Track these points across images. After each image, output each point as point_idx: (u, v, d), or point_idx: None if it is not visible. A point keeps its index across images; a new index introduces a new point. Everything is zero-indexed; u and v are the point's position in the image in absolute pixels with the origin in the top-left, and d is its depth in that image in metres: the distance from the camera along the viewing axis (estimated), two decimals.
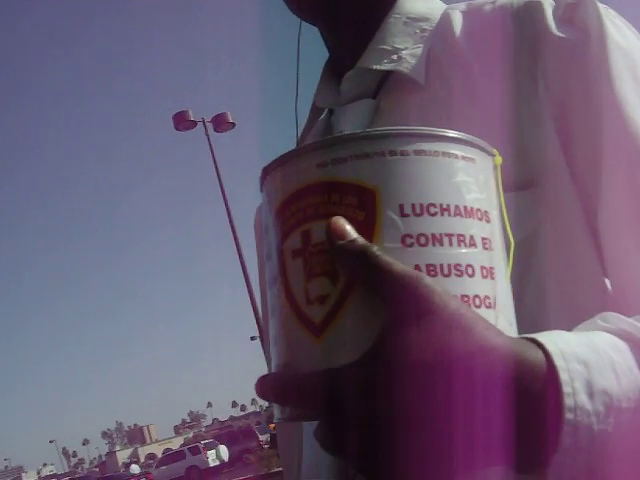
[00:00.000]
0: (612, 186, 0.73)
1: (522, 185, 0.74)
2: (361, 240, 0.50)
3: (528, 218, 0.74)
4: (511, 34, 0.80)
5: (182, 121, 15.49)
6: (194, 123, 15.61)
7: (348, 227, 0.50)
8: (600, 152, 0.74)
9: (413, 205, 0.51)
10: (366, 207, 0.51)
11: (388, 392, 0.47)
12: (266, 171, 0.58)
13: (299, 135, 1.02)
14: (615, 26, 0.77)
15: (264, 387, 0.54)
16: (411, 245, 0.51)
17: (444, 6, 0.92)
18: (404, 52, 0.86)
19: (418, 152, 0.53)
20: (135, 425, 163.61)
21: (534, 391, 0.48)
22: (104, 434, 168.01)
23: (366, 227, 0.51)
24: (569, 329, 0.61)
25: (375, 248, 0.50)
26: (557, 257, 0.75)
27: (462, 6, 0.90)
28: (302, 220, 0.53)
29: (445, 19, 0.88)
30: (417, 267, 0.50)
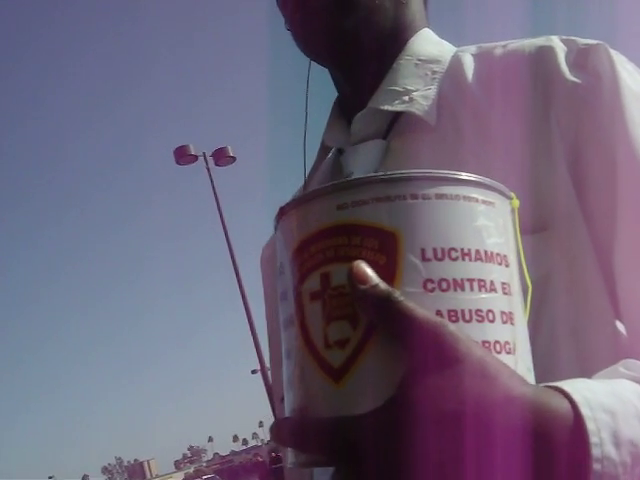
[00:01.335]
0: (627, 230, 0.73)
1: (535, 228, 0.74)
2: (383, 285, 0.49)
3: (540, 261, 0.73)
4: (524, 78, 0.80)
5: (183, 155, 15.54)
6: (195, 157, 15.66)
7: (370, 272, 0.50)
8: (615, 196, 0.74)
9: (435, 249, 0.51)
10: (387, 251, 0.51)
11: (411, 442, 0.46)
12: (283, 210, 0.57)
13: (307, 173, 1.02)
14: (627, 71, 0.78)
15: (281, 432, 0.53)
16: (433, 290, 0.50)
17: (454, 49, 0.93)
18: (415, 93, 0.87)
19: (440, 196, 0.52)
20: (135, 460, 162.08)
21: (561, 441, 0.48)
22: (104, 469, 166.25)
23: (387, 271, 0.50)
24: (581, 373, 0.61)
25: (398, 294, 0.49)
26: (569, 300, 0.75)
27: (472, 49, 0.90)
28: (321, 262, 0.52)
29: (456, 62, 0.89)
30: (439, 312, 0.50)
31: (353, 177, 0.83)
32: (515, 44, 0.85)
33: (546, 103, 0.78)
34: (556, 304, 0.74)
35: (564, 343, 0.74)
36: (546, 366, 0.60)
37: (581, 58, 0.79)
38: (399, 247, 0.51)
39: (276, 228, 0.59)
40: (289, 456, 0.55)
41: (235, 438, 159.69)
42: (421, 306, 0.49)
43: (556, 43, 0.81)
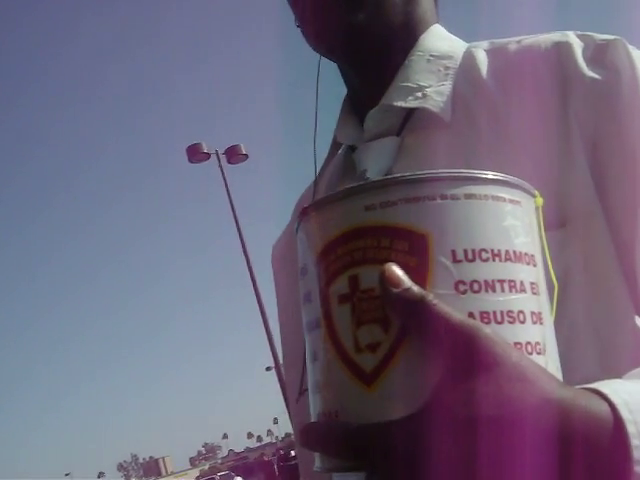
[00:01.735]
0: None
1: (554, 224, 0.73)
2: (416, 288, 0.49)
3: (560, 258, 0.72)
4: (540, 74, 0.79)
5: (195, 153, 15.54)
6: (207, 155, 15.66)
7: (402, 274, 0.49)
8: (635, 192, 0.74)
9: (465, 251, 0.50)
10: (418, 252, 0.50)
11: (446, 451, 0.45)
12: (306, 211, 0.57)
13: (318, 169, 1.02)
14: None
15: (310, 436, 0.52)
16: (464, 292, 0.50)
17: (466, 44, 0.93)
18: (429, 89, 0.86)
19: (469, 196, 0.52)
20: (150, 457, 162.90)
21: (601, 444, 0.47)
22: (120, 466, 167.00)
23: (418, 273, 0.50)
24: (602, 369, 0.60)
25: (431, 296, 0.48)
26: (589, 297, 0.74)
27: (485, 44, 0.89)
28: (349, 264, 0.52)
29: (469, 57, 0.88)
30: (471, 314, 0.49)
31: (371, 176, 0.84)
32: (530, 40, 0.84)
33: (564, 99, 0.77)
34: (576, 300, 0.74)
35: (585, 340, 0.73)
36: (567, 363, 0.60)
37: (599, 54, 0.78)
38: (430, 249, 0.50)
39: (298, 229, 0.59)
40: (317, 461, 0.54)
41: (250, 435, 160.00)
42: (453, 308, 0.48)
43: (573, 39, 0.81)
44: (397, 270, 0.49)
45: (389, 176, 0.53)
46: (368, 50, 0.91)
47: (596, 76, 0.77)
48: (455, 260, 0.50)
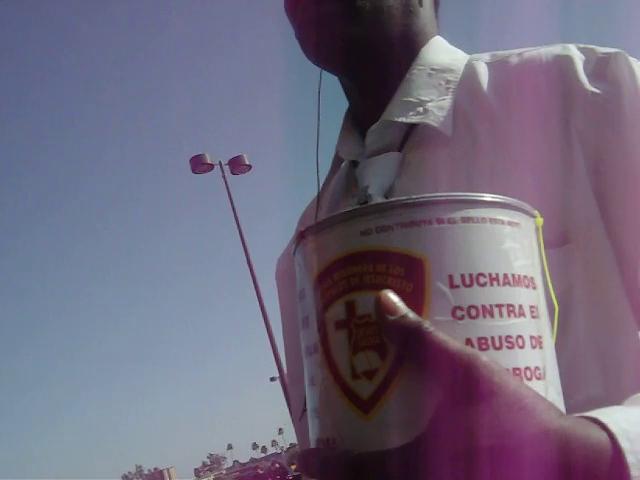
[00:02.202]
0: None
1: (556, 242, 0.73)
2: (413, 315, 0.48)
3: (562, 275, 0.72)
4: (541, 88, 0.79)
5: (199, 164, 15.56)
6: (211, 166, 15.68)
7: (398, 301, 0.48)
8: (638, 207, 0.73)
9: (462, 276, 0.50)
10: (414, 278, 0.49)
11: (447, 479, 0.45)
12: (303, 235, 0.56)
13: (320, 183, 1.01)
14: None
15: (308, 463, 0.52)
16: (462, 318, 0.49)
17: (467, 56, 0.92)
18: (430, 104, 0.85)
19: (466, 219, 0.51)
20: (155, 468, 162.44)
21: (600, 475, 0.46)
22: (124, 478, 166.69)
23: (415, 299, 0.49)
24: (605, 387, 0.59)
25: (428, 324, 0.48)
26: (592, 314, 0.74)
27: (486, 57, 0.89)
28: (346, 290, 0.51)
29: (470, 70, 0.87)
30: (469, 341, 0.49)
31: (369, 197, 0.83)
32: (531, 52, 0.84)
33: (565, 113, 0.76)
34: (579, 318, 0.73)
35: (588, 358, 0.72)
36: (570, 382, 0.59)
37: (600, 67, 0.78)
38: (426, 274, 0.49)
39: (295, 251, 0.58)
40: None
41: (254, 446, 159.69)
42: (451, 335, 0.48)
43: (574, 52, 0.80)
44: (393, 296, 0.49)
45: (386, 200, 0.53)
46: (367, 63, 0.90)
47: (597, 90, 0.76)
48: (452, 285, 0.49)
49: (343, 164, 0.99)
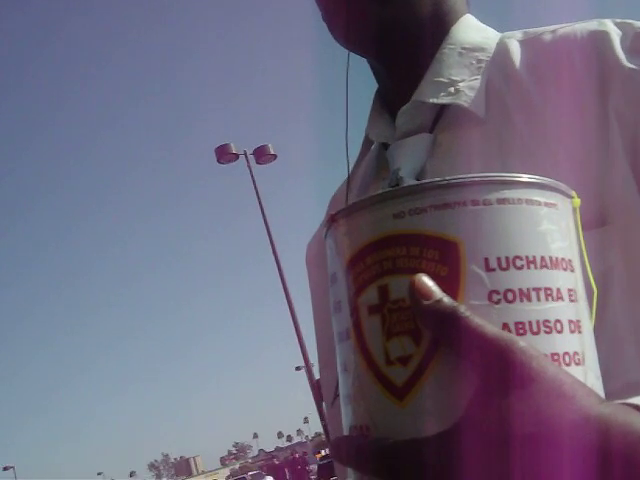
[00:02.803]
0: None
1: (594, 224, 0.71)
2: (448, 300, 0.47)
3: (600, 258, 0.70)
4: (577, 66, 0.77)
5: (224, 154, 15.63)
6: (236, 156, 15.74)
7: (433, 285, 0.47)
8: None
9: (499, 258, 0.48)
10: (449, 261, 0.48)
11: (480, 469, 0.43)
12: (334, 218, 0.55)
13: (350, 167, 1.00)
14: None
15: (341, 451, 0.51)
16: (498, 302, 0.48)
17: (499, 35, 0.90)
18: (461, 84, 0.83)
19: (501, 201, 0.50)
20: (181, 457, 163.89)
21: None
22: (151, 466, 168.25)
23: (450, 283, 0.48)
24: None
25: (463, 308, 0.46)
26: (631, 298, 0.71)
27: (518, 35, 0.87)
28: (378, 274, 0.50)
29: (502, 49, 0.85)
30: (505, 326, 0.47)
31: (400, 180, 0.82)
32: (565, 29, 0.81)
33: (602, 91, 0.74)
34: (618, 302, 0.71)
35: (627, 343, 0.70)
36: (610, 369, 0.57)
37: (638, 42, 0.75)
38: (461, 257, 0.48)
39: (326, 235, 0.57)
40: (349, 474, 0.52)
41: (280, 434, 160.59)
42: (487, 320, 0.46)
43: (610, 27, 0.78)
44: (427, 281, 0.47)
45: (418, 182, 0.52)
46: (397, 44, 0.89)
47: (635, 67, 0.74)
48: (488, 269, 0.48)
49: (373, 146, 0.97)
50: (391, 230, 0.50)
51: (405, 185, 0.52)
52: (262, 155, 15.96)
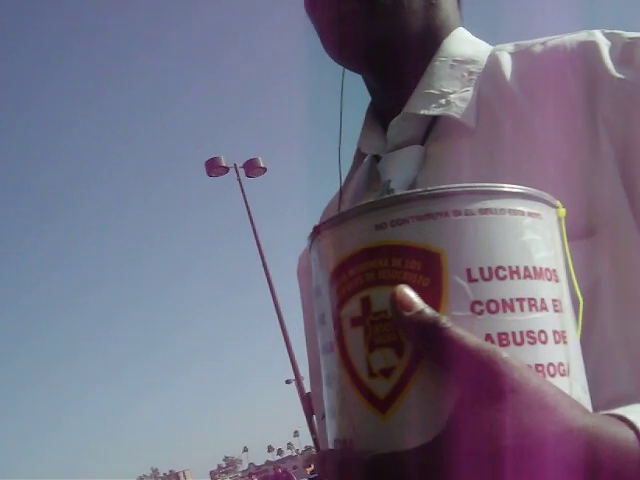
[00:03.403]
0: None
1: (582, 233, 0.70)
2: (429, 311, 0.46)
3: (589, 269, 0.70)
4: (566, 76, 0.77)
5: (214, 167, 15.60)
6: (226, 169, 15.72)
7: (414, 296, 0.47)
8: None
9: (481, 269, 0.48)
10: (431, 272, 0.48)
11: None
12: (318, 230, 0.54)
13: (342, 180, 1.00)
14: None
15: (326, 465, 0.50)
16: (481, 313, 0.47)
17: (490, 47, 0.90)
18: (452, 96, 0.84)
19: (483, 211, 0.49)
20: (171, 471, 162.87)
21: (627, 475, 0.44)
22: None
23: (432, 294, 0.47)
24: (636, 385, 0.57)
25: (445, 319, 0.46)
26: (621, 309, 0.71)
27: (510, 47, 0.87)
28: (361, 286, 0.50)
29: (493, 61, 0.86)
30: (488, 336, 0.47)
31: (391, 192, 0.82)
32: (555, 40, 0.82)
33: (591, 101, 0.74)
34: (607, 313, 0.71)
35: (617, 354, 0.70)
36: (598, 380, 0.57)
37: (627, 53, 0.76)
38: (443, 268, 0.48)
39: (310, 247, 0.57)
40: None
41: (270, 448, 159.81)
42: (470, 331, 0.46)
43: (599, 38, 0.78)
44: (409, 292, 0.47)
45: (400, 192, 0.51)
46: (389, 60, 0.89)
47: (624, 77, 0.74)
48: (470, 279, 0.48)
49: (365, 159, 0.97)
50: (373, 241, 0.50)
51: (387, 196, 0.52)
52: (252, 168, 15.94)
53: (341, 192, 0.99)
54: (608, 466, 0.44)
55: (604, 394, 0.53)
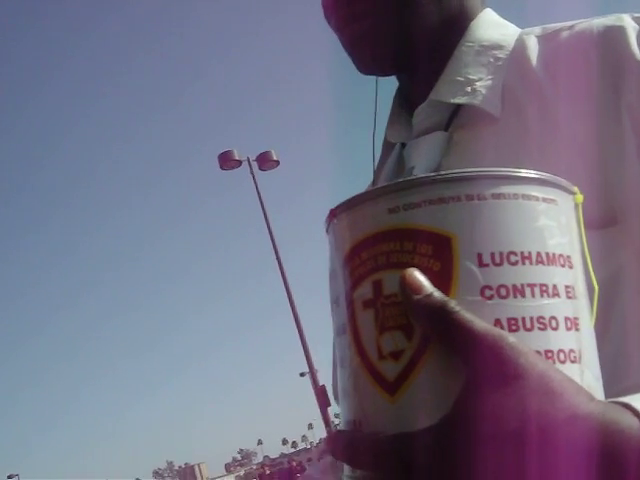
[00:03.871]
0: None
1: (604, 223, 0.70)
2: (438, 294, 0.47)
3: (610, 258, 0.69)
4: (592, 62, 0.76)
5: (227, 160, 15.62)
6: (239, 162, 15.73)
7: (424, 280, 0.47)
8: None
9: (492, 254, 0.48)
10: (442, 256, 0.48)
11: (468, 463, 0.43)
12: (333, 213, 0.55)
13: (375, 170, 1.00)
14: None
15: (336, 445, 0.51)
16: (491, 297, 0.47)
17: (518, 31, 0.89)
18: (478, 84, 0.83)
19: (496, 196, 0.49)
20: (186, 464, 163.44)
21: (630, 462, 0.44)
22: (155, 473, 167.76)
23: (442, 278, 0.48)
24: None
25: (454, 303, 0.46)
26: None
27: (537, 30, 0.86)
28: (373, 269, 0.50)
29: (520, 46, 0.85)
30: (497, 321, 0.47)
31: (418, 172, 0.82)
32: (582, 25, 0.81)
33: (616, 88, 0.73)
34: (626, 304, 0.70)
35: (635, 345, 0.70)
36: (616, 370, 0.57)
37: None
38: (454, 252, 0.48)
39: (327, 230, 0.57)
40: (344, 469, 0.53)
41: (284, 441, 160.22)
42: (479, 315, 0.46)
43: (627, 22, 0.77)
44: (418, 275, 0.47)
45: (413, 177, 0.52)
46: (416, 56, 0.89)
47: None
48: (481, 264, 0.48)
49: (395, 147, 0.97)
50: (386, 225, 0.50)
51: (400, 180, 0.52)
52: (265, 161, 15.94)
53: (373, 182, 1.00)
54: (610, 452, 0.44)
55: (624, 383, 0.53)
